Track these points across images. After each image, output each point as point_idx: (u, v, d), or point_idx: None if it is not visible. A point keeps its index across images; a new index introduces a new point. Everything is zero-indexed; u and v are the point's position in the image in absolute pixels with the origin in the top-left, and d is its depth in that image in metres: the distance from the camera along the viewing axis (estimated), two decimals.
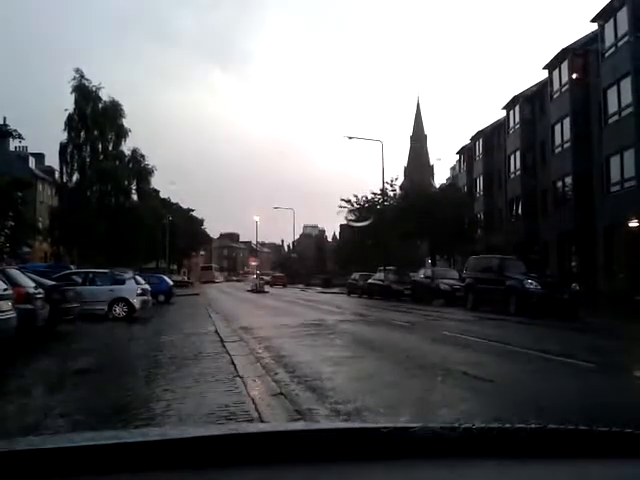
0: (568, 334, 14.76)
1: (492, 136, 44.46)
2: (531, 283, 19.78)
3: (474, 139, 47.50)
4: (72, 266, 30.85)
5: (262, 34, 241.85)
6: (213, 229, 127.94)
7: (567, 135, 31.10)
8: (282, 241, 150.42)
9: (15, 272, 13.36)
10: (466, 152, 49.89)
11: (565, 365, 8.82)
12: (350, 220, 47.55)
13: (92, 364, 9.03)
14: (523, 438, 1.10)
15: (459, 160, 53.39)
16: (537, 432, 1.14)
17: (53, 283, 15.21)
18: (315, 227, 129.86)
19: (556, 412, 5.56)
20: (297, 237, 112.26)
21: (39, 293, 12.75)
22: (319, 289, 54.50)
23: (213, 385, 7.12)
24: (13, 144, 42.63)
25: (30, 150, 53.81)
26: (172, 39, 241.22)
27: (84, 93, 41.47)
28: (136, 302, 19.16)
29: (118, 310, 18.76)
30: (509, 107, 39.45)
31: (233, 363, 8.71)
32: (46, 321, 12.86)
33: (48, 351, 10.98)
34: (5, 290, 10.80)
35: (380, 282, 34.39)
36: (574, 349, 10.76)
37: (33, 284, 13.10)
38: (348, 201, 46.91)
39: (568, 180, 31.33)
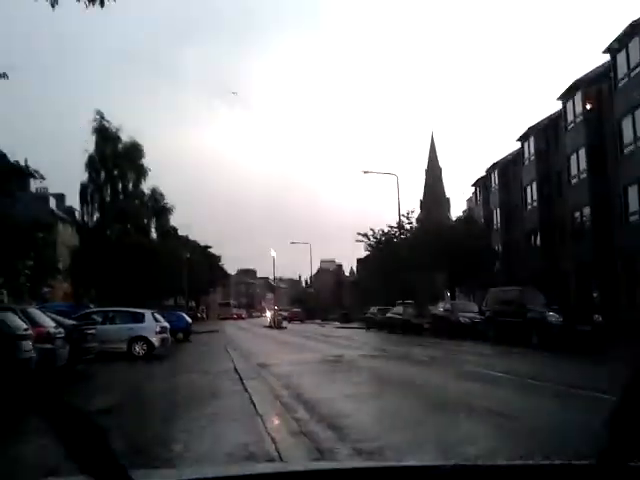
0: (592, 367, 14.46)
1: (508, 167, 44.46)
2: (552, 315, 19.48)
3: (489, 171, 47.52)
4: (92, 305, 31.06)
5: (274, 70, 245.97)
6: (230, 265, 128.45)
7: (583, 165, 31.01)
8: (299, 276, 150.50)
9: (36, 312, 13.49)
10: (482, 184, 49.87)
11: (592, 400, 8.61)
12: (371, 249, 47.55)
13: (111, 404, 9.01)
14: (547, 474, 1.08)
15: (475, 192, 53.36)
16: (560, 468, 1.12)
17: (73, 322, 15.31)
18: (332, 262, 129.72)
19: (582, 448, 5.42)
20: (314, 272, 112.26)
21: (59, 333, 12.84)
22: (337, 324, 54.16)
23: (232, 424, 7.07)
24: (34, 185, 43.33)
25: (50, 191, 54.67)
26: (182, 79, 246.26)
27: (104, 134, 42.33)
28: (155, 340, 19.18)
29: (138, 348, 18.78)
30: (524, 138, 39.53)
31: (252, 401, 8.64)
32: (67, 360, 12.91)
33: (68, 391, 10.98)
34: (25, 330, 10.89)
35: (399, 316, 34.11)
36: (600, 382, 10.50)
37: (53, 324, 13.20)
38: (365, 235, 47.03)
39: (586, 211, 31.13)
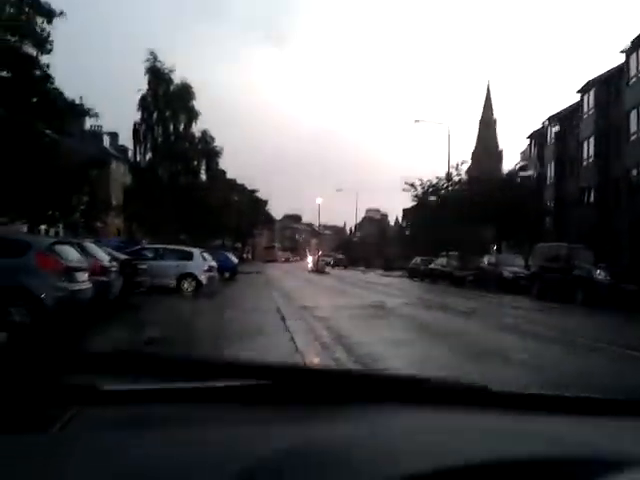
0: (636, 326, 14.33)
1: (565, 121, 42.91)
2: (600, 273, 19.18)
3: (546, 123, 45.99)
4: (143, 241, 32.07)
5: (328, 14, 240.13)
6: (276, 210, 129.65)
7: None
8: (344, 224, 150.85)
9: (91, 246, 14.11)
10: (537, 137, 48.36)
11: (631, 358, 8.64)
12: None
13: (160, 334, 9.52)
14: (533, 398, 1.18)
15: (530, 145, 51.87)
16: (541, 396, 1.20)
17: (126, 257, 15.98)
18: (378, 211, 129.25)
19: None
20: (359, 220, 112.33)
21: (113, 266, 13.46)
22: (380, 272, 54.45)
23: (274, 358, 7.42)
24: (89, 122, 44.13)
25: (104, 129, 55.76)
26: (230, 21, 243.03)
27: (157, 75, 42.57)
28: (203, 278, 19.87)
29: (186, 285, 19.51)
30: (584, 91, 37.94)
31: (293, 340, 9.00)
32: (119, 292, 13.58)
33: (120, 321, 11.61)
34: (82, 262, 11.47)
35: (442, 268, 34.09)
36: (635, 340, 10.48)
37: (108, 257, 13.83)
38: (412, 185, 46.51)
39: None
